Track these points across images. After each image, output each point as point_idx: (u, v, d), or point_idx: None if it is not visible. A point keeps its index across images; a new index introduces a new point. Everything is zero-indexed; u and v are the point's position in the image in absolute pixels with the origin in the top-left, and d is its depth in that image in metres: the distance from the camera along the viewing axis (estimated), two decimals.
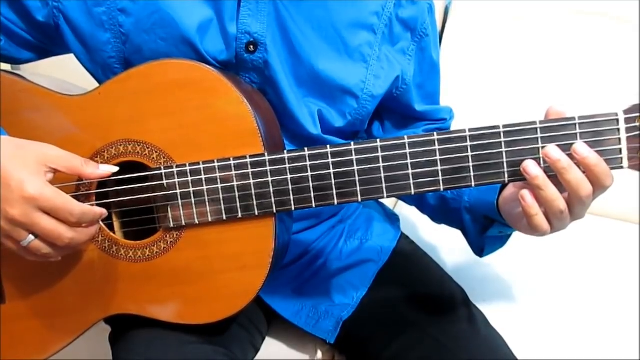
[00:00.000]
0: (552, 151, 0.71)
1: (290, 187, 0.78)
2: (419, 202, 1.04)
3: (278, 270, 0.87)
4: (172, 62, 0.81)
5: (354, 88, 0.90)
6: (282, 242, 0.83)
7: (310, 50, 0.87)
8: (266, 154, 0.78)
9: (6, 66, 1.02)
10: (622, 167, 0.73)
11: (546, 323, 1.11)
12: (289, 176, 0.78)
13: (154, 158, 0.80)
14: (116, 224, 0.87)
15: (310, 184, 0.77)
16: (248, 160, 0.78)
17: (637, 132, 0.71)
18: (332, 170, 0.77)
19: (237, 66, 0.87)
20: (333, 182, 0.77)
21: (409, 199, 1.09)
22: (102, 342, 0.92)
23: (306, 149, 0.77)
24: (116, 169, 0.80)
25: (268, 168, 0.78)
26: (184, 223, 0.80)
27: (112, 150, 0.81)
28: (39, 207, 0.72)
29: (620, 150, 0.72)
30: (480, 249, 0.96)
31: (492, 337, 0.93)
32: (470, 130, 0.74)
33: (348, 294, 0.98)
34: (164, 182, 0.80)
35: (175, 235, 0.82)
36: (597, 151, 0.71)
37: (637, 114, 0.71)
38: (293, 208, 0.78)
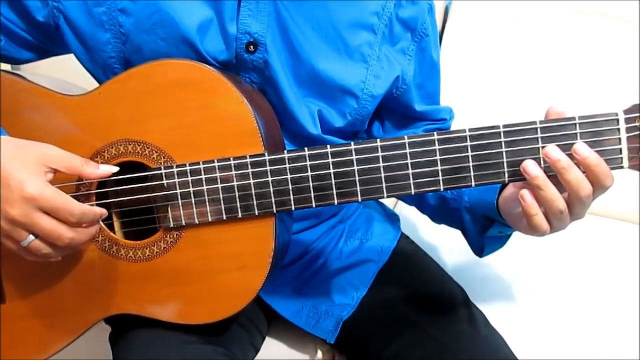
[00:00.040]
0: (552, 151, 0.71)
1: (290, 187, 0.78)
2: (418, 202, 1.04)
3: (278, 270, 0.87)
4: (172, 62, 0.81)
5: (354, 88, 0.90)
6: (282, 242, 0.83)
7: (310, 50, 0.87)
8: (266, 154, 0.78)
9: (6, 66, 1.02)
10: (622, 167, 0.73)
11: (546, 323, 1.11)
12: (289, 176, 0.78)
13: (154, 158, 0.80)
14: (116, 224, 0.87)
15: (310, 184, 0.77)
16: (248, 160, 0.78)
17: (637, 132, 0.71)
18: (332, 170, 0.77)
19: (237, 66, 0.87)
20: (333, 182, 0.77)
21: (408, 199, 1.09)
22: (102, 342, 0.92)
23: (306, 148, 0.77)
24: (116, 169, 0.80)
25: (268, 168, 0.78)
26: (184, 223, 0.80)
27: (112, 150, 0.81)
28: (39, 207, 0.72)
29: (621, 150, 0.72)
30: (480, 249, 0.96)
31: (492, 337, 0.93)
32: (470, 130, 0.74)
33: (348, 294, 0.98)
34: (164, 182, 0.80)
35: (175, 235, 0.82)
36: (597, 151, 0.71)
37: (637, 114, 0.71)
38: (293, 208, 0.78)
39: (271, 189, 0.78)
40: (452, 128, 1.01)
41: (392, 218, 1.12)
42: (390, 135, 0.90)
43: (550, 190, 0.72)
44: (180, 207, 0.80)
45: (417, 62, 0.95)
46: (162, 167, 0.80)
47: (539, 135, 0.72)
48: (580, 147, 0.70)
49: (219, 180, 0.79)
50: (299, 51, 0.87)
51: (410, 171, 0.75)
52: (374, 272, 1.01)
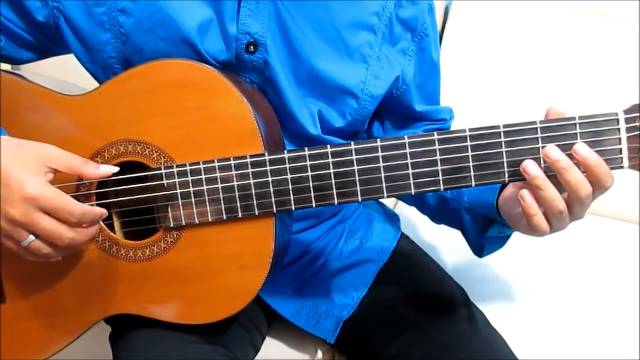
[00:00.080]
0: (552, 151, 0.71)
1: (290, 187, 0.78)
2: (418, 202, 1.04)
3: (278, 270, 0.87)
4: (172, 62, 0.81)
5: (354, 88, 0.90)
6: (282, 242, 0.83)
7: (311, 51, 0.87)
8: (266, 153, 0.78)
9: (6, 66, 1.02)
10: (622, 167, 0.73)
11: (546, 323, 1.11)
12: (289, 176, 0.78)
13: (154, 158, 0.81)
14: (116, 224, 0.87)
15: (310, 184, 0.77)
16: (248, 160, 0.78)
17: (637, 132, 0.71)
18: (332, 170, 0.77)
19: (237, 66, 0.87)
20: (333, 182, 0.77)
21: (408, 199, 1.09)
22: (102, 342, 0.92)
23: (306, 148, 0.77)
24: (116, 169, 0.80)
25: (268, 168, 0.78)
26: (184, 223, 0.80)
27: (112, 150, 0.82)
28: (39, 207, 0.72)
29: (621, 150, 0.72)
30: (480, 249, 0.96)
31: (492, 336, 0.93)
32: (470, 130, 0.74)
33: (348, 294, 0.98)
34: (164, 182, 0.80)
35: (175, 235, 0.82)
36: (597, 151, 0.71)
37: (637, 114, 0.71)
38: (293, 208, 0.78)
39: (271, 189, 0.78)
40: (452, 128, 1.01)
41: (392, 218, 1.12)
42: (390, 135, 0.90)
43: (549, 191, 0.72)
44: (181, 207, 0.80)
45: (417, 62, 0.95)
46: (162, 167, 0.80)
47: (539, 135, 0.72)
48: (580, 148, 0.70)
49: (219, 180, 0.79)
50: (299, 51, 0.87)
51: (410, 171, 0.75)
52: (374, 272, 1.01)
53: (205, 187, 0.79)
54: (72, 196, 0.75)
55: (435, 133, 0.74)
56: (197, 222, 0.80)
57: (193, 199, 0.80)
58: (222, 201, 0.79)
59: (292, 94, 0.88)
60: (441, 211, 0.99)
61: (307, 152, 0.77)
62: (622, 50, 1.44)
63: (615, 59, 1.45)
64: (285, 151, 0.78)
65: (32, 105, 0.84)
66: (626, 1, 1.45)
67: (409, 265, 1.05)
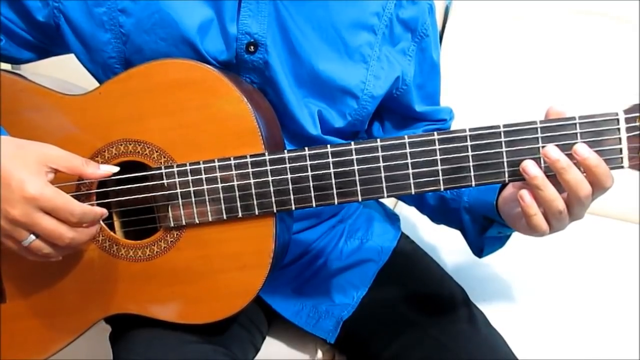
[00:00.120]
0: (551, 151, 0.71)
1: (290, 186, 0.78)
2: (418, 202, 1.04)
3: (278, 270, 0.87)
4: (172, 62, 0.81)
5: (354, 89, 0.90)
6: (282, 241, 0.83)
7: (311, 51, 0.87)
8: (266, 153, 0.78)
9: (6, 66, 1.02)
10: (622, 167, 0.73)
11: (546, 323, 1.11)
12: (289, 176, 0.78)
13: (154, 158, 0.81)
14: (116, 224, 0.87)
15: (311, 184, 0.77)
16: (248, 159, 0.78)
17: (638, 132, 0.71)
18: (332, 170, 0.77)
19: (237, 66, 0.87)
20: (333, 181, 0.77)
21: (408, 199, 1.09)
22: (102, 342, 0.92)
23: (306, 148, 0.77)
24: (117, 169, 0.80)
25: (268, 168, 0.78)
26: (184, 223, 0.81)
27: (113, 149, 0.82)
28: (39, 207, 0.72)
29: (621, 150, 0.72)
30: (480, 249, 0.96)
31: (492, 336, 0.93)
32: (470, 130, 0.74)
33: (348, 294, 0.98)
34: (165, 181, 0.80)
35: (175, 235, 0.82)
36: (597, 151, 0.71)
37: (637, 114, 0.71)
38: (293, 208, 0.78)
39: (271, 189, 0.78)
40: (452, 128, 1.01)
41: (392, 218, 1.12)
42: (390, 136, 0.90)
43: (549, 191, 0.72)
44: (181, 207, 0.80)
45: (417, 63, 0.95)
46: (163, 167, 0.80)
47: (539, 135, 0.72)
48: (580, 148, 0.70)
49: (219, 180, 0.79)
50: (299, 51, 0.87)
51: (410, 171, 0.75)
52: (374, 272, 1.01)
53: (205, 187, 0.79)
54: (72, 196, 0.75)
55: (435, 133, 0.74)
56: (197, 221, 0.80)
57: (193, 199, 0.80)
58: (222, 201, 0.79)
59: (292, 94, 0.88)
60: (441, 211, 0.99)
61: (307, 152, 0.77)
62: (622, 50, 1.44)
63: (615, 59, 1.45)
64: (286, 151, 0.78)
65: (33, 105, 0.84)
66: (626, 1, 1.45)
67: (409, 265, 1.05)
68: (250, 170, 0.78)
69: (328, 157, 0.77)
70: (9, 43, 0.90)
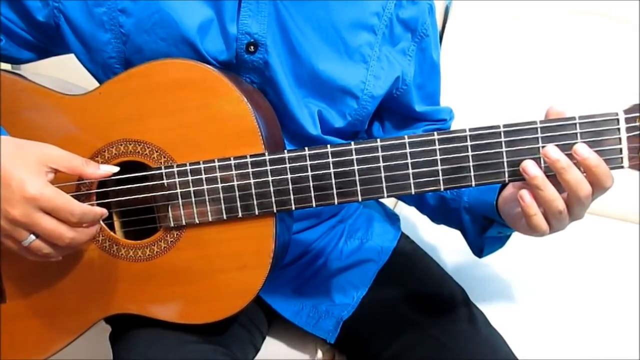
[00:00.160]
0: (551, 151, 0.71)
1: (290, 186, 0.78)
2: (418, 202, 1.04)
3: (278, 270, 0.87)
4: (172, 62, 0.81)
5: (354, 89, 0.90)
6: (282, 241, 0.83)
7: (311, 51, 0.87)
8: (266, 153, 0.78)
9: (6, 66, 1.02)
10: (622, 167, 0.73)
11: (546, 323, 1.11)
12: (289, 176, 0.78)
13: (154, 158, 0.81)
14: (117, 224, 0.87)
15: (311, 184, 0.77)
16: (248, 159, 0.78)
17: (638, 132, 0.71)
18: (332, 170, 0.77)
19: (237, 66, 0.87)
20: (333, 181, 0.77)
21: (408, 199, 1.09)
22: (102, 342, 0.92)
23: (306, 148, 0.77)
24: (117, 169, 0.80)
25: (268, 168, 0.78)
26: (184, 222, 0.81)
27: (113, 149, 0.82)
28: (39, 207, 0.72)
29: (621, 150, 0.72)
30: (480, 249, 0.96)
31: (492, 336, 0.93)
32: (470, 130, 0.74)
33: (348, 294, 0.98)
34: (165, 181, 0.80)
35: (175, 235, 0.82)
36: (597, 151, 0.71)
37: (637, 114, 0.71)
38: (293, 208, 0.78)
39: (271, 189, 0.78)
40: (452, 128, 1.01)
41: (392, 218, 1.12)
42: (390, 135, 0.90)
43: (549, 191, 0.72)
44: (181, 207, 0.80)
45: (417, 63, 0.95)
46: (163, 167, 0.80)
47: (539, 135, 0.72)
48: (581, 148, 0.70)
49: (219, 180, 0.79)
50: (299, 51, 0.87)
51: (410, 171, 0.75)
52: (374, 272, 1.01)
53: (205, 187, 0.79)
54: (72, 196, 0.75)
55: (435, 133, 0.74)
56: (197, 221, 0.80)
57: (193, 199, 0.80)
58: (222, 201, 0.79)
59: (292, 94, 0.88)
60: (441, 211, 0.99)
61: (307, 152, 0.77)
62: (622, 50, 1.44)
63: (615, 59, 1.45)
64: (286, 151, 0.78)
65: (33, 105, 0.84)
66: (626, 1, 1.45)
67: (409, 265, 1.05)
68: (250, 170, 0.78)
69: (328, 157, 0.77)
70: (9, 43, 0.90)
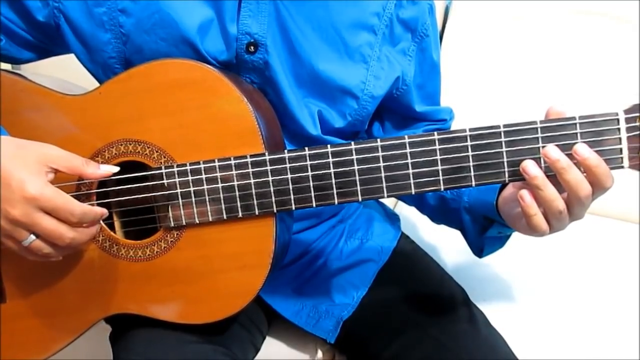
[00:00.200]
0: (552, 151, 0.71)
1: (290, 186, 0.78)
2: (418, 202, 1.04)
3: (278, 270, 0.87)
4: (172, 62, 0.81)
5: (354, 89, 0.90)
6: (282, 241, 0.83)
7: (311, 51, 0.87)
8: (266, 153, 0.78)
9: (7, 66, 1.02)
10: (622, 167, 0.73)
11: (546, 323, 1.11)
12: (289, 176, 0.78)
13: (154, 158, 0.81)
14: (117, 224, 0.87)
15: (311, 184, 0.77)
16: (248, 159, 0.78)
17: (638, 132, 0.71)
18: (332, 170, 0.77)
19: (237, 66, 0.87)
20: (333, 181, 0.77)
21: (408, 199, 1.09)
22: (102, 342, 0.92)
23: (306, 148, 0.77)
24: (117, 169, 0.80)
25: (268, 168, 0.78)
26: (184, 222, 0.81)
27: (113, 149, 0.82)
28: (39, 207, 0.72)
29: (621, 150, 0.72)
30: (480, 249, 0.96)
31: (492, 336, 0.93)
32: (470, 130, 0.74)
33: (348, 294, 0.98)
34: (165, 181, 0.80)
35: (175, 235, 0.82)
36: (597, 151, 0.71)
37: (637, 114, 0.71)
38: (293, 208, 0.78)
39: (271, 189, 0.78)
40: (452, 128, 1.01)
41: (393, 218, 1.12)
42: (391, 136, 0.90)
43: (549, 191, 0.72)
44: (181, 207, 0.80)
45: (417, 63, 0.95)
46: (163, 167, 0.80)
47: (539, 135, 0.72)
48: (581, 148, 0.70)
49: (219, 180, 0.79)
50: (299, 52, 0.87)
51: (410, 171, 0.75)
52: (374, 272, 1.01)
53: (205, 187, 0.79)
54: (72, 196, 0.75)
55: (435, 133, 0.74)
56: (198, 221, 0.80)
57: (193, 199, 0.80)
58: (222, 201, 0.79)
59: (292, 94, 0.88)
60: (441, 211, 0.99)
61: (307, 152, 0.77)
62: (622, 50, 1.44)
63: (615, 59, 1.45)
64: (286, 151, 0.78)
65: (33, 105, 0.84)
66: (626, 1, 1.45)
67: (409, 265, 1.05)
68: (250, 170, 0.78)
69: (328, 157, 0.77)
70: (9, 43, 0.90)
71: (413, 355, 0.91)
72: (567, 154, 0.71)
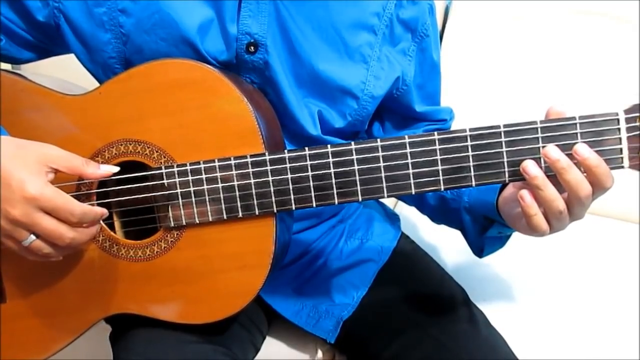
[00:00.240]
0: (552, 151, 0.71)
1: (290, 186, 0.78)
2: (418, 202, 1.04)
3: (278, 270, 0.87)
4: (172, 62, 0.81)
5: (354, 89, 0.90)
6: (282, 241, 0.83)
7: (311, 51, 0.87)
8: (267, 153, 0.78)
9: (7, 66, 1.02)
10: (622, 167, 0.73)
11: (546, 323, 1.11)
12: (289, 176, 0.78)
13: (154, 158, 0.81)
14: (117, 224, 0.87)
15: (311, 184, 0.77)
16: (248, 159, 0.78)
17: (638, 132, 0.71)
18: (332, 170, 0.77)
19: (237, 66, 0.87)
20: (333, 181, 0.77)
21: (408, 199, 1.09)
22: (102, 342, 0.92)
23: (307, 148, 0.77)
24: (117, 169, 0.80)
25: (268, 168, 0.78)
26: (184, 222, 0.81)
27: (113, 149, 0.82)
28: (39, 207, 0.72)
29: (621, 150, 0.72)
30: (480, 249, 0.96)
31: (492, 336, 0.93)
32: (470, 130, 0.74)
33: (348, 294, 0.98)
34: (165, 181, 0.80)
35: (175, 235, 0.82)
36: (597, 151, 0.71)
37: (637, 114, 0.71)
38: (293, 208, 0.78)
39: (272, 189, 0.78)
40: (452, 128, 1.01)
41: (393, 218, 1.12)
42: (391, 136, 0.90)
43: (549, 191, 0.72)
44: (181, 207, 0.80)
45: (417, 63, 0.95)
46: (163, 167, 0.80)
47: (539, 135, 0.72)
48: (581, 148, 0.70)
49: (219, 180, 0.79)
50: (299, 52, 0.87)
51: (410, 171, 0.75)
52: (374, 272, 1.01)
53: (205, 187, 0.79)
54: (72, 196, 0.75)
55: (435, 133, 0.74)
56: (198, 221, 0.80)
57: (193, 199, 0.80)
58: (222, 201, 0.79)
59: (292, 94, 0.88)
60: (441, 211, 0.99)
61: (307, 152, 0.77)
62: (622, 50, 1.44)
63: (615, 59, 1.45)
64: (286, 151, 0.78)
65: (33, 104, 0.84)
66: (626, 1, 1.45)
67: (409, 265, 1.05)
68: (250, 170, 0.78)
69: (328, 157, 0.77)
70: (9, 43, 0.90)
71: (413, 355, 0.91)
72: (567, 154, 0.71)
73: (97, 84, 0.88)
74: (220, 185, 0.79)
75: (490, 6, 1.55)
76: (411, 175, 0.75)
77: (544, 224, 0.74)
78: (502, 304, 1.14)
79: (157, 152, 0.80)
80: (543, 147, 0.72)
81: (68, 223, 0.74)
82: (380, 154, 0.76)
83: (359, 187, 0.77)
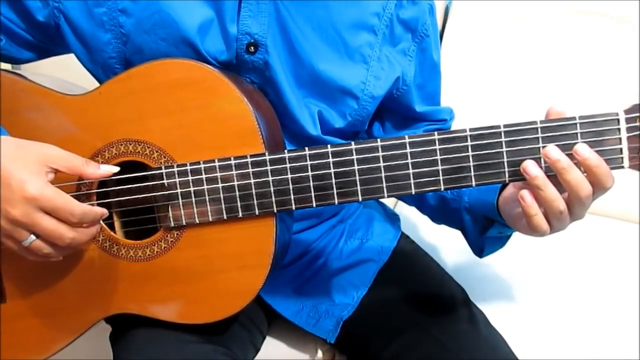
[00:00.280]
0: (552, 151, 0.71)
1: (290, 186, 0.78)
2: (418, 202, 1.04)
3: (278, 270, 0.87)
4: (172, 62, 0.81)
5: (354, 89, 0.90)
6: (282, 241, 0.83)
7: (311, 51, 0.87)
8: (267, 153, 0.78)
9: (7, 66, 1.02)
10: (622, 167, 0.73)
11: (546, 323, 1.11)
12: (289, 176, 0.78)
13: (154, 158, 0.81)
14: (117, 224, 0.87)
15: (311, 184, 0.77)
16: (249, 159, 0.78)
17: (638, 132, 0.71)
18: (332, 170, 0.77)
19: (237, 67, 0.87)
20: (333, 181, 0.77)
21: (408, 199, 1.09)
22: (102, 342, 0.92)
23: (307, 148, 0.77)
24: (117, 169, 0.80)
25: (268, 168, 0.78)
26: (184, 222, 0.81)
27: (113, 149, 0.82)
28: (39, 207, 0.72)
29: (621, 150, 0.72)
30: (480, 249, 0.96)
31: (492, 336, 0.93)
32: (470, 130, 0.74)
33: (348, 294, 0.98)
34: (165, 181, 0.80)
35: (175, 235, 0.82)
36: (597, 151, 0.71)
37: (638, 114, 0.71)
38: (293, 208, 0.78)
39: (272, 189, 0.78)
40: (453, 128, 1.01)
41: (393, 218, 1.12)
42: (391, 136, 0.90)
43: (549, 191, 0.72)
44: (181, 207, 0.80)
45: (417, 63, 0.95)
46: (163, 167, 0.80)
47: (540, 135, 0.72)
48: (581, 148, 0.70)
49: (219, 180, 0.79)
50: (299, 52, 0.87)
51: (410, 171, 0.75)
52: (374, 272, 1.01)
53: (205, 187, 0.79)
54: (72, 196, 0.75)
55: (435, 133, 0.74)
56: (198, 221, 0.80)
57: (193, 199, 0.80)
58: (222, 201, 0.79)
59: (292, 94, 0.88)
60: (441, 211, 0.99)
61: (307, 152, 0.77)
62: (622, 50, 1.44)
63: (615, 59, 1.45)
64: (286, 151, 0.78)
65: (33, 104, 0.84)
66: (626, 1, 1.45)
67: (409, 265, 1.05)
68: (250, 170, 0.78)
69: (328, 157, 0.77)
70: (9, 43, 0.90)
71: (413, 355, 0.91)
72: (567, 154, 0.71)
73: (97, 84, 0.88)
74: (220, 185, 0.79)
75: (490, 6, 1.55)
76: (411, 175, 0.75)
77: (545, 224, 0.74)
78: (502, 304, 1.14)
79: (157, 152, 0.80)
80: (543, 147, 0.72)
81: (68, 223, 0.74)
82: (380, 154, 0.76)
83: (359, 187, 0.77)
